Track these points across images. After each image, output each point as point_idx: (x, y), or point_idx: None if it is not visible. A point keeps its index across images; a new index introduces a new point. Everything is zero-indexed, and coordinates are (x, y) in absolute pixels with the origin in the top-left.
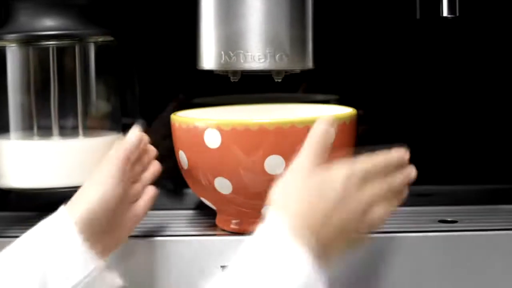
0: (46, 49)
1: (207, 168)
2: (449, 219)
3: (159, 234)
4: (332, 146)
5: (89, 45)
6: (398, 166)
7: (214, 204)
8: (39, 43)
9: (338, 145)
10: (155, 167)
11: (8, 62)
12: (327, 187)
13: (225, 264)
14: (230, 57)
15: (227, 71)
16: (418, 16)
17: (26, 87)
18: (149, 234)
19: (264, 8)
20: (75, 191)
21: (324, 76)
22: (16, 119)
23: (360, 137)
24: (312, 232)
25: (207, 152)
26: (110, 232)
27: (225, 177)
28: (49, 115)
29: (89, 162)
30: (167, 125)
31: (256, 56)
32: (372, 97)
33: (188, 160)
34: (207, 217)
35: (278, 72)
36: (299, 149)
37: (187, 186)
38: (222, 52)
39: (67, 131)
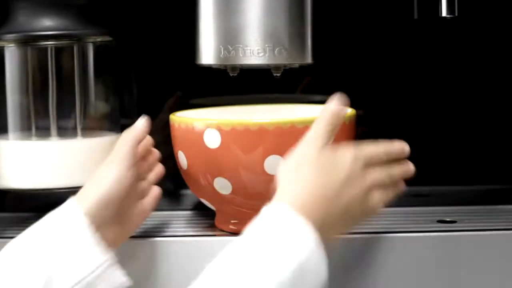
0: (45, 49)
1: (207, 168)
2: (448, 219)
3: (157, 235)
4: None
5: (88, 45)
6: (398, 158)
7: (213, 205)
8: (38, 43)
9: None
10: (159, 169)
11: (6, 62)
12: (337, 167)
13: None
14: (229, 52)
15: (226, 66)
16: (416, 16)
17: (24, 87)
18: (148, 234)
19: (263, 2)
20: (74, 191)
21: (322, 76)
22: (15, 119)
23: (359, 138)
24: (318, 211)
25: (206, 152)
26: (119, 224)
27: (225, 177)
28: (48, 116)
29: (88, 163)
30: (165, 126)
31: (255, 50)
32: (371, 97)
33: (187, 161)
34: (205, 218)
35: (277, 67)
36: None
37: (186, 187)
38: (221, 47)
39: (66, 132)
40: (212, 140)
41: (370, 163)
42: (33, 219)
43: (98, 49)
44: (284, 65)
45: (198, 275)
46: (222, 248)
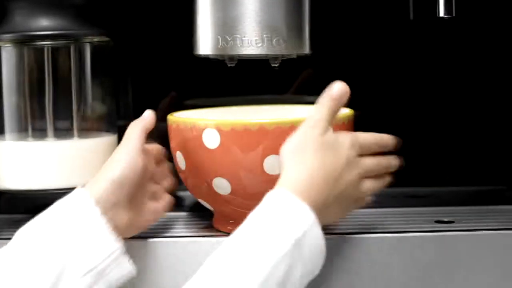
0: (41, 49)
1: (206, 169)
2: (445, 220)
3: (155, 236)
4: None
5: (85, 45)
6: (386, 150)
7: (211, 205)
8: (34, 43)
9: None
10: (172, 180)
11: (3, 62)
12: (337, 152)
13: None
14: (227, 42)
15: (223, 56)
16: (411, 17)
17: (21, 87)
18: (146, 235)
19: None
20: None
21: (319, 77)
22: (11, 120)
23: None
24: (319, 194)
25: (205, 152)
26: (131, 210)
27: (224, 178)
28: (44, 116)
29: (84, 163)
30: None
31: (253, 40)
32: (368, 98)
33: (185, 161)
34: (203, 219)
35: (275, 57)
36: None
37: (183, 188)
38: (219, 37)
39: (62, 132)
40: (211, 140)
41: (363, 151)
42: (28, 220)
43: (95, 49)
44: (282, 56)
45: None
46: None
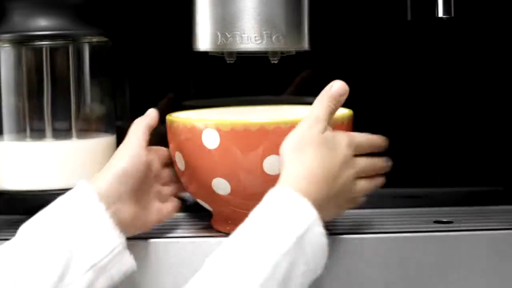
0: (40, 49)
1: (205, 169)
2: (444, 220)
3: (155, 236)
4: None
5: (83, 45)
6: (377, 151)
7: (210, 206)
8: (33, 43)
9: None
10: (178, 185)
11: (1, 62)
12: (336, 150)
13: None
14: (226, 38)
15: (223, 52)
16: (409, 18)
17: (19, 87)
18: (145, 236)
19: None
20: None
21: (317, 78)
22: (9, 120)
23: None
24: (318, 192)
25: (205, 152)
26: (136, 204)
27: (224, 178)
28: (43, 116)
29: (83, 164)
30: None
31: (252, 37)
32: (366, 99)
33: (185, 161)
34: (202, 219)
35: (274, 53)
36: None
37: (182, 188)
38: (219, 33)
39: (61, 133)
40: (211, 140)
41: (358, 151)
42: (24, 221)
43: (93, 49)
44: (281, 51)
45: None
46: None
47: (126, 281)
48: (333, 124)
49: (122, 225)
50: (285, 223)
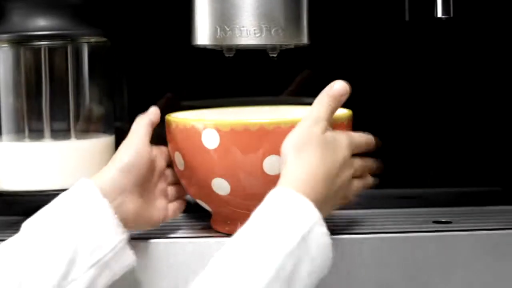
0: (38, 49)
1: (205, 169)
2: (443, 220)
3: (154, 236)
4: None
5: (82, 45)
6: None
7: (210, 206)
8: (31, 43)
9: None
10: (182, 187)
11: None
12: (336, 150)
13: None
14: (225, 32)
15: (222, 47)
16: (407, 18)
17: (18, 88)
18: (145, 236)
19: None
20: None
21: (315, 78)
22: (8, 120)
23: None
24: (319, 191)
25: (205, 152)
26: (140, 197)
27: (223, 178)
28: (41, 117)
29: (82, 164)
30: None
31: (251, 31)
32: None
33: (184, 162)
34: (201, 220)
35: (273, 47)
36: None
37: None
38: (218, 27)
39: (59, 133)
40: (211, 140)
41: (355, 151)
42: (22, 222)
43: (92, 49)
44: (281, 46)
45: (195, 277)
46: (218, 250)
47: (126, 281)
48: (333, 124)
49: (126, 219)
50: (288, 224)
